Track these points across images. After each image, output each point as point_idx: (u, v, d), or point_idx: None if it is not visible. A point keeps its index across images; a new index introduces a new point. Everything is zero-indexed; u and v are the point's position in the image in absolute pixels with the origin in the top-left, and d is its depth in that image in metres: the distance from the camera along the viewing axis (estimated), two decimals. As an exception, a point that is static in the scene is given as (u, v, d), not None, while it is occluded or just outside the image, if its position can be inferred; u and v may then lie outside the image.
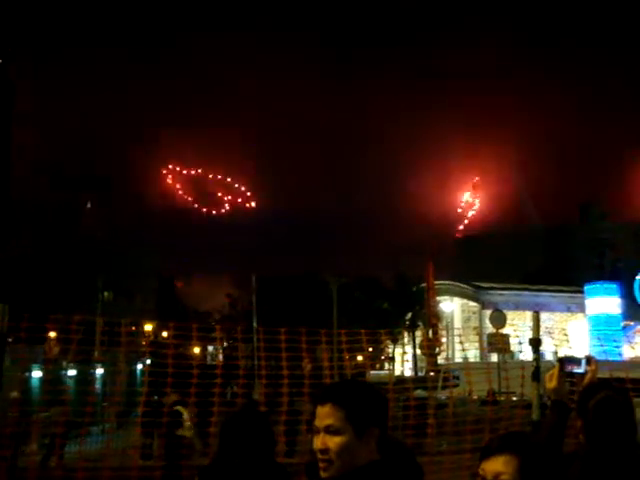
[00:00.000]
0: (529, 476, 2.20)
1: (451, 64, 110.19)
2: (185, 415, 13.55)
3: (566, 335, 51.61)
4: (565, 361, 3.88)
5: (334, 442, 2.32)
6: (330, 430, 2.33)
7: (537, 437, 3.73)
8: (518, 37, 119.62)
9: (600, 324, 58.23)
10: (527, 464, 2.22)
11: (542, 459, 2.27)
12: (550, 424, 3.72)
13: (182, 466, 11.01)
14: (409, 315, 61.11)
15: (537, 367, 5.61)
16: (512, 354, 27.36)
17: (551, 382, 3.78)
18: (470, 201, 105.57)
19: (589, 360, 3.95)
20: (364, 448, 2.32)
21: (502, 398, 16.31)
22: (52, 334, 16.78)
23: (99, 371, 27.85)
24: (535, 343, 5.70)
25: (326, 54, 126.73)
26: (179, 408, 13.43)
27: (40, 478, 9.36)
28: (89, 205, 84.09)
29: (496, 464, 2.24)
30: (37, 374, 25.44)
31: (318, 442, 2.35)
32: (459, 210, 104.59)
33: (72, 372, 25.94)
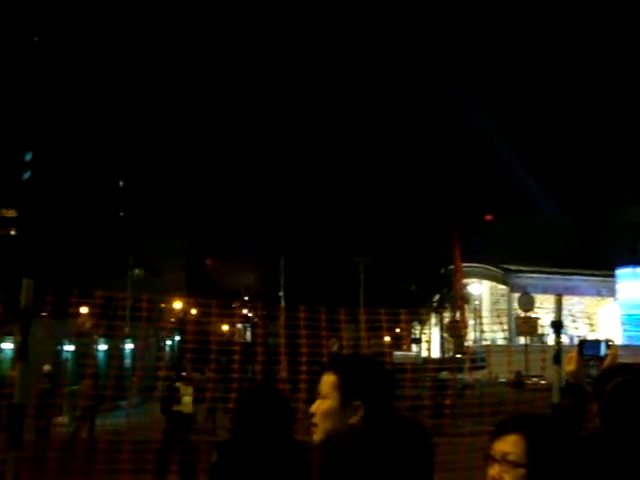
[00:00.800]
0: (537, 457, 2.21)
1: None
2: (183, 392, 13.71)
3: (589, 319, 51.09)
4: (585, 344, 3.85)
5: (319, 407, 2.45)
6: (319, 394, 2.47)
7: (555, 420, 3.72)
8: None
9: (630, 309, 57.48)
10: (536, 445, 2.22)
11: (553, 441, 2.28)
12: (567, 407, 3.71)
13: (179, 441, 11.11)
14: (437, 297, 60.97)
15: (559, 350, 5.59)
16: (541, 337, 27.19)
17: (570, 365, 3.77)
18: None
19: (609, 344, 3.92)
20: (346, 417, 2.40)
21: (529, 381, 16.27)
22: (84, 309, 17.09)
23: (129, 346, 28.31)
24: (557, 325, 5.67)
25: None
26: (178, 384, 13.59)
27: (71, 448, 9.62)
28: (121, 183, 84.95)
29: (505, 444, 2.25)
30: (70, 348, 25.97)
31: (312, 406, 2.48)
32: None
33: (103, 347, 26.40)
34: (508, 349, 15.99)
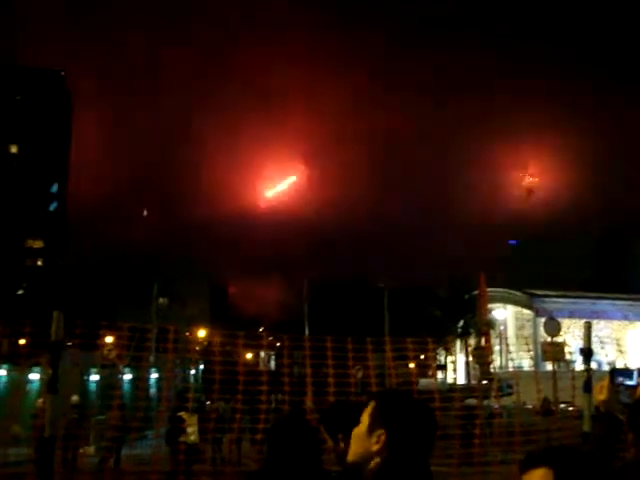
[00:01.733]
0: None
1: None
2: (188, 422, 13.62)
3: (619, 345, 50.16)
4: (616, 373, 3.80)
5: (355, 430, 2.59)
6: (361, 420, 2.62)
7: (587, 449, 3.66)
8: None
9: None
10: (563, 478, 2.19)
11: (583, 475, 2.24)
12: (599, 437, 3.65)
13: (185, 472, 11.02)
14: (461, 323, 60.41)
15: (589, 377, 5.50)
16: (568, 363, 26.79)
17: (601, 394, 3.72)
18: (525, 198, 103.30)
19: (641, 372, 3.86)
20: (370, 444, 2.51)
21: (556, 408, 15.98)
22: (109, 339, 17.18)
23: (154, 375, 28.36)
24: (586, 353, 5.59)
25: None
26: (182, 414, 13.50)
27: (98, 479, 9.61)
28: (145, 213, 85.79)
29: (533, 477, 2.22)
30: (95, 378, 26.06)
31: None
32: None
33: (128, 376, 26.48)
34: (536, 375, 15.75)
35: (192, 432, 13.79)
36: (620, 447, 3.67)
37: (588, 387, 5.47)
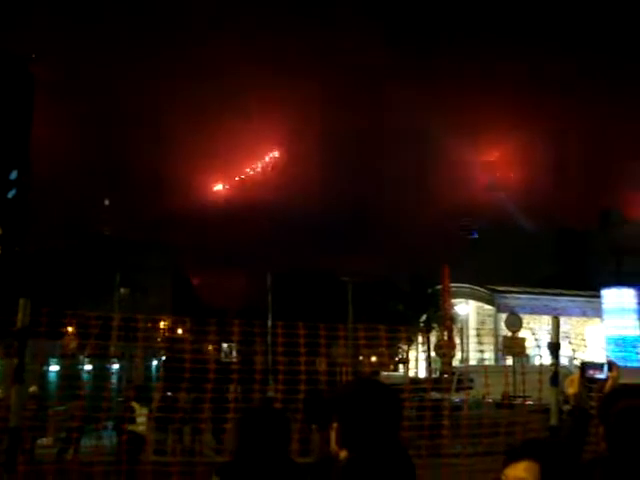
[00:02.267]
0: None
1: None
2: (139, 412, 13.58)
3: (583, 340, 51.18)
4: (586, 367, 3.85)
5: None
6: None
7: (556, 443, 3.70)
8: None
9: (616, 329, 57.78)
10: (548, 470, 2.21)
11: (565, 466, 2.27)
12: (570, 430, 3.69)
13: (127, 460, 10.90)
14: (424, 317, 60.90)
15: (556, 372, 5.57)
16: (528, 358, 27.19)
17: (572, 387, 3.76)
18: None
19: (611, 365, 3.91)
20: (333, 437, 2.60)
21: (517, 402, 16.19)
22: (70, 329, 16.90)
23: (115, 366, 28.04)
24: (554, 347, 5.67)
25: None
26: (133, 404, 13.44)
27: (57, 471, 9.46)
28: (107, 202, 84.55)
29: (517, 470, 2.24)
30: (54, 368, 25.67)
31: None
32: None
33: (89, 367, 26.14)
34: (497, 369, 15.99)
35: (141, 423, 13.75)
36: (589, 441, 3.72)
37: (555, 381, 5.55)
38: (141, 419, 13.79)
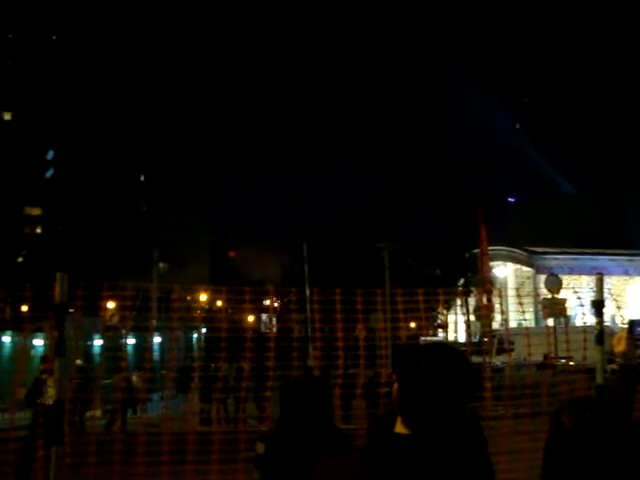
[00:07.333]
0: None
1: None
2: (50, 383, 13.21)
3: (624, 299, 50.42)
4: (634, 324, 3.74)
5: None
6: None
7: (605, 400, 3.60)
8: None
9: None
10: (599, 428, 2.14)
11: (614, 423, 2.19)
12: (618, 388, 3.59)
13: (42, 434, 10.67)
14: (462, 281, 60.51)
15: (601, 330, 5.45)
16: (568, 318, 26.88)
17: (620, 345, 3.65)
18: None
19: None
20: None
21: (558, 363, 16.06)
22: (111, 303, 17.16)
23: (157, 339, 28.48)
24: (598, 306, 5.53)
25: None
26: (45, 376, 12.98)
27: (104, 442, 9.65)
28: (143, 178, 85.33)
29: None
30: (98, 342, 26.19)
31: None
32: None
33: (131, 341, 26.60)
34: (539, 330, 15.80)
35: (52, 394, 13.49)
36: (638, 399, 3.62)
37: (600, 339, 5.43)
38: (51, 390, 13.27)
